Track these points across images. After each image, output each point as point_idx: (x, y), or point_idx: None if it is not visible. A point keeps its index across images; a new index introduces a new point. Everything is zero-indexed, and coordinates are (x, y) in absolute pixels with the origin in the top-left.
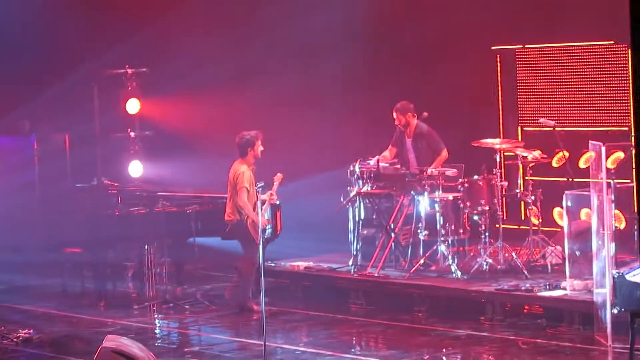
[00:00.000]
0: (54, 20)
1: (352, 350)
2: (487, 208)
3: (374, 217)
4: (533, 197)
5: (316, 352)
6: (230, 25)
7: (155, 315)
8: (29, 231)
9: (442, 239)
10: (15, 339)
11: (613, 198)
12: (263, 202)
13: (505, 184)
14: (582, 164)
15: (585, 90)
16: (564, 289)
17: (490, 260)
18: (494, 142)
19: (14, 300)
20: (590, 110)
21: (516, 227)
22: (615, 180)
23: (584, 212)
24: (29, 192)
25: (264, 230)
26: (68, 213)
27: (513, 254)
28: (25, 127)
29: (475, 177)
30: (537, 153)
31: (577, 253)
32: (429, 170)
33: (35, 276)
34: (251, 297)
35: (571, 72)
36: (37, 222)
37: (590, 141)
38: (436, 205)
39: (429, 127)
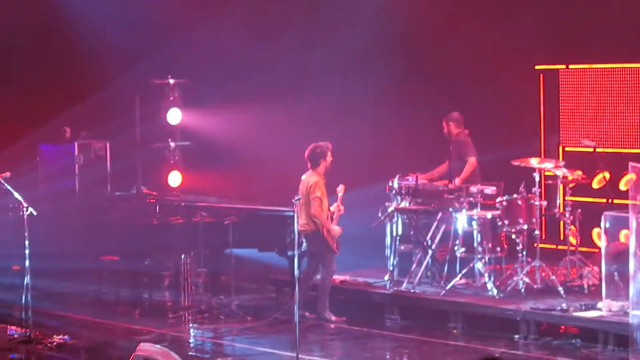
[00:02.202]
0: (97, 29)
1: None
2: (525, 227)
3: (412, 233)
4: (572, 217)
5: None
6: (272, 37)
7: (190, 325)
8: (68, 238)
9: (479, 256)
10: (49, 344)
11: None
12: (332, 214)
13: (545, 203)
14: (622, 186)
15: (627, 112)
16: (600, 310)
17: (526, 280)
18: (535, 162)
19: (50, 306)
20: (632, 132)
21: (554, 247)
22: None
23: (622, 233)
24: (69, 199)
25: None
26: (106, 221)
27: (550, 273)
28: (67, 135)
29: (515, 195)
30: (577, 173)
31: (615, 274)
32: (455, 181)
33: (72, 283)
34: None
35: (614, 93)
36: (75, 229)
37: (630, 163)
38: (474, 223)
39: (467, 138)
